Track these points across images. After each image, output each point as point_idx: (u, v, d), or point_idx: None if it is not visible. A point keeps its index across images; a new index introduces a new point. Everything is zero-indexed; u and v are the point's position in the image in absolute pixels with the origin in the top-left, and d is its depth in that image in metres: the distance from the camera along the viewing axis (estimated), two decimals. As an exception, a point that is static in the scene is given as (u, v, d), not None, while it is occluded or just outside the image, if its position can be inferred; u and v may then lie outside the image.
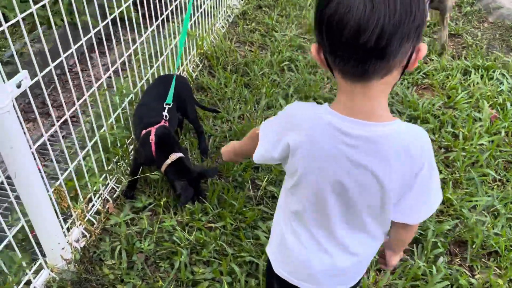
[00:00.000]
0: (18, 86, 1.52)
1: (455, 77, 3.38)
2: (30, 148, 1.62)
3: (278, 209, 1.22)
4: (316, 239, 1.11)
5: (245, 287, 1.95)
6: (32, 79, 1.57)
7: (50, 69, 1.73)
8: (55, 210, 1.84)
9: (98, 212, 2.21)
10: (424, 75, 3.47)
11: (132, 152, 2.49)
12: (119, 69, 2.31)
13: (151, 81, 2.72)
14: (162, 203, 2.19)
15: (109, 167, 2.29)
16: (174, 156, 2.20)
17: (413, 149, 0.94)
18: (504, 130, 2.87)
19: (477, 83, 3.34)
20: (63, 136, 2.12)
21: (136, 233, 2.14)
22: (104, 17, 2.08)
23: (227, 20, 4.16)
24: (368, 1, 0.79)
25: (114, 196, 2.35)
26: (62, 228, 1.92)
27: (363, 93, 0.91)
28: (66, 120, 1.86)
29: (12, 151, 1.54)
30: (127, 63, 2.38)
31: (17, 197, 1.66)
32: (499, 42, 4.05)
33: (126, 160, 2.40)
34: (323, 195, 1.01)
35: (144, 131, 2.28)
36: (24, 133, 1.57)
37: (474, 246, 2.14)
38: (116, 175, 2.35)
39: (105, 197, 2.27)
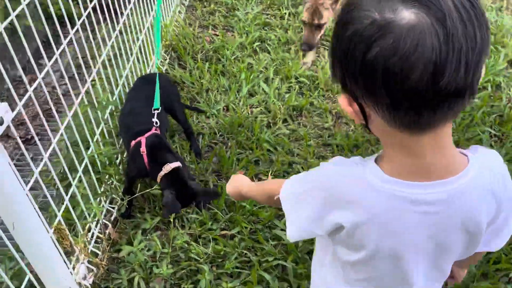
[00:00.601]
0: (1, 123, 1.26)
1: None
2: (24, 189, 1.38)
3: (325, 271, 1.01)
4: None
5: (281, 294, 1.83)
6: None
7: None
8: (59, 251, 1.61)
9: (97, 240, 1.99)
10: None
11: (122, 166, 2.26)
12: (75, 73, 1.95)
13: (126, 85, 2.46)
14: (172, 219, 2.00)
15: (102, 189, 2.05)
16: (168, 167, 1.97)
17: (496, 188, 0.80)
18: (490, 84, 2.89)
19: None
20: (31, 158, 1.80)
21: (149, 257, 1.94)
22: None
23: (183, 4, 3.87)
24: (439, 28, 0.60)
25: (112, 219, 2.12)
26: (68, 268, 1.69)
27: (433, 144, 0.72)
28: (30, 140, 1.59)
29: (5, 199, 1.29)
30: (84, 66, 2.08)
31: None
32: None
33: (117, 177, 2.17)
34: (402, 263, 0.84)
35: (133, 142, 2.05)
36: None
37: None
38: (110, 196, 2.11)
39: (103, 222, 2.04)
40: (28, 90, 1.46)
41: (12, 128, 1.35)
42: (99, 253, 1.94)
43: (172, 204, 1.88)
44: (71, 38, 1.50)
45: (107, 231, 2.05)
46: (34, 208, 1.42)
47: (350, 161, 0.85)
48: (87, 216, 1.89)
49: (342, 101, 0.76)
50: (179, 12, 3.73)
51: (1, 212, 1.31)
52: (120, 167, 2.24)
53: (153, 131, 2.07)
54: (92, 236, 1.96)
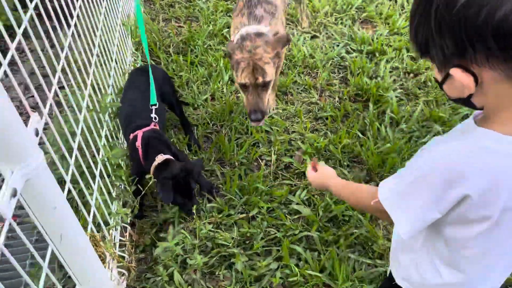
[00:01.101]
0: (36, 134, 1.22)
1: (385, 5, 3.52)
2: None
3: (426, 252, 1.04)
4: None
5: (314, 262, 1.91)
6: None
7: None
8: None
9: (121, 244, 1.96)
10: (357, 9, 3.55)
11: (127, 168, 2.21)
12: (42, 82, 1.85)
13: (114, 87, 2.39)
14: (194, 209, 2.00)
15: (115, 193, 2.01)
16: (161, 157, 1.96)
17: None
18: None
19: (407, 4, 3.51)
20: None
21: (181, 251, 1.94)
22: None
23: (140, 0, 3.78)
24: None
25: (129, 221, 2.09)
26: (108, 275, 1.67)
27: None
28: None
29: (56, 211, 1.25)
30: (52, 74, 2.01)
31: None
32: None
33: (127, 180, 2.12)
34: None
35: (132, 135, 2.04)
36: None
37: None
38: (122, 199, 2.07)
39: (122, 225, 2.01)
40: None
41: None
42: (126, 256, 1.92)
43: (164, 192, 1.87)
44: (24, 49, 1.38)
45: (126, 234, 2.02)
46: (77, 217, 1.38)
47: (453, 136, 0.89)
48: (109, 221, 1.85)
49: (458, 72, 0.78)
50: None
51: (49, 227, 1.27)
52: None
53: (151, 126, 2.05)
54: (114, 241, 1.92)
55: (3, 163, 1.07)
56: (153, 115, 2.10)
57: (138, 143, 1.99)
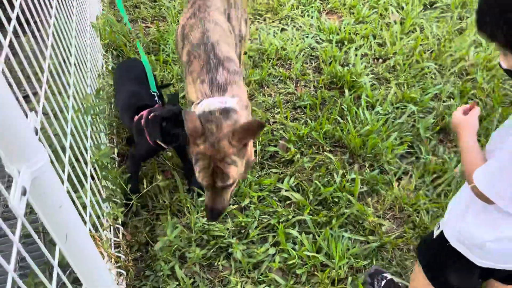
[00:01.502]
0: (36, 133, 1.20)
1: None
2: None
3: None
4: None
5: (310, 244, 1.96)
6: None
7: None
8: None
9: (116, 245, 1.93)
10: (321, 1, 3.64)
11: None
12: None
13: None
14: (187, 204, 2.00)
15: (106, 194, 1.98)
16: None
17: None
18: (413, 27, 3.24)
19: (368, -5, 3.64)
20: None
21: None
22: None
23: (103, 1, 3.71)
24: None
25: (119, 221, 2.06)
26: (111, 275, 1.65)
27: None
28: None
29: (61, 210, 1.23)
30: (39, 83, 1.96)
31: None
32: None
33: (118, 180, 2.10)
34: None
35: (136, 117, 2.00)
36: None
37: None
38: (111, 200, 2.05)
39: (116, 226, 1.99)
40: None
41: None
42: (122, 256, 1.90)
43: (151, 128, 1.87)
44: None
45: (119, 235, 2.00)
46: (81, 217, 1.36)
47: None
48: (103, 222, 1.83)
49: (504, 61, 0.96)
50: (103, 9, 3.57)
51: (54, 226, 1.24)
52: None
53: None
54: (110, 241, 1.90)
55: (10, 163, 1.05)
56: (156, 99, 2.13)
57: (143, 122, 1.94)
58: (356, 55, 3.01)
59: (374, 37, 3.19)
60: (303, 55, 3.09)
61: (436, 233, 1.35)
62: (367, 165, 2.34)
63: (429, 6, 3.53)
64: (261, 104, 2.73)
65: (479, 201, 1.15)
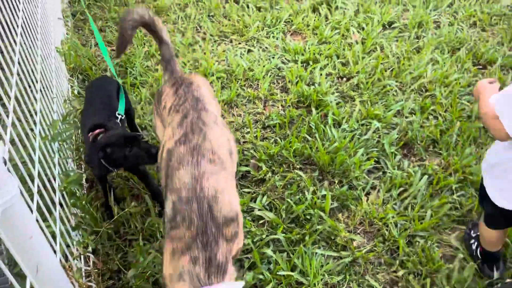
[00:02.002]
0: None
1: (310, 17, 3.75)
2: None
3: None
4: None
5: (285, 263, 1.97)
6: None
7: None
8: (72, 290, 1.52)
9: (87, 274, 1.89)
10: (285, 23, 3.74)
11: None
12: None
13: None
14: (160, 228, 1.98)
15: (75, 222, 1.94)
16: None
17: None
18: (373, 46, 3.38)
19: (330, 15, 3.77)
20: None
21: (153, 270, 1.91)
22: None
23: (66, 25, 3.67)
24: None
25: (89, 249, 2.01)
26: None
27: None
28: None
29: (32, 241, 1.20)
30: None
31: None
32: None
33: (87, 206, 2.05)
34: None
35: (90, 134, 1.93)
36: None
37: (421, 142, 2.58)
38: (81, 227, 2.00)
39: (86, 255, 1.94)
40: None
41: None
42: (94, 286, 1.85)
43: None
44: None
45: (90, 263, 1.95)
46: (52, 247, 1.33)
47: None
48: (73, 251, 1.78)
49: None
50: (67, 33, 3.53)
51: (25, 258, 1.21)
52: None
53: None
54: (81, 271, 1.85)
55: (-22, 195, 1.02)
56: (118, 121, 2.09)
57: (91, 139, 1.89)
58: (321, 74, 3.10)
59: (338, 57, 3.30)
60: (270, 75, 3.15)
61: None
62: (336, 181, 2.39)
63: (388, 26, 3.70)
64: (232, 124, 2.76)
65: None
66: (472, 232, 2.07)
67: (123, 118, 2.13)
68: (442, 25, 3.67)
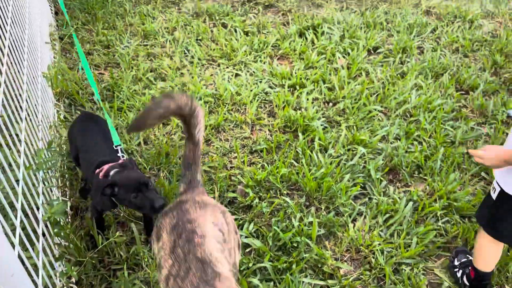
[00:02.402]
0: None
1: (297, 42, 3.81)
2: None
3: None
4: None
5: None
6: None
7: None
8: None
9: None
10: (273, 47, 3.80)
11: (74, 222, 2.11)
12: None
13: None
14: (145, 257, 1.96)
15: (59, 252, 1.90)
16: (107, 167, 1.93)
17: None
18: (359, 71, 3.44)
19: (316, 40, 3.84)
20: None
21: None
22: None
23: (53, 48, 3.66)
24: None
25: (73, 280, 1.97)
26: None
27: None
28: None
29: (13, 279, 1.18)
30: None
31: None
32: (306, 2, 4.66)
33: (71, 236, 2.02)
34: None
35: (97, 171, 1.94)
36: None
37: (406, 168, 2.61)
38: (64, 258, 1.96)
39: (70, 286, 1.90)
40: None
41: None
42: (77, 318, 1.81)
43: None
44: None
45: (75, 295, 1.91)
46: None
47: None
48: (56, 283, 1.74)
49: None
50: (54, 57, 3.53)
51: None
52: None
53: (119, 162, 1.98)
54: (63, 304, 1.81)
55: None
56: (120, 154, 2.07)
57: (101, 175, 1.90)
58: (307, 99, 3.14)
59: (324, 82, 3.34)
60: (257, 99, 3.18)
61: (495, 195, 1.73)
62: (323, 208, 2.40)
63: (373, 52, 3.77)
64: (219, 149, 2.76)
65: None
66: (456, 260, 2.09)
67: (121, 147, 2.11)
68: (425, 51, 3.76)
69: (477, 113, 3.09)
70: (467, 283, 1.98)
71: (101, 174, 1.90)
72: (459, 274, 2.03)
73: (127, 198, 1.80)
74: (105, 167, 1.91)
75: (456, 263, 2.06)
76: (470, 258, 2.04)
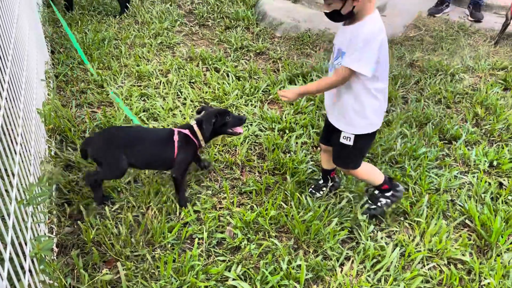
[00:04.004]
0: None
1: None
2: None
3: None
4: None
5: None
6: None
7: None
8: None
9: None
10: (263, 92, 3.91)
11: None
12: None
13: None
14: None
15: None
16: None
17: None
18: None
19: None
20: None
21: None
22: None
23: (48, 85, 3.72)
24: None
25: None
26: None
27: None
28: None
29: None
30: None
31: None
32: (295, 51, 4.85)
33: (56, 274, 1.98)
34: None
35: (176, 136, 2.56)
36: None
37: (392, 213, 2.65)
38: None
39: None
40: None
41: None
42: None
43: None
44: None
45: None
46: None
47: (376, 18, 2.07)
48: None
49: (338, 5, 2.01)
50: (48, 94, 3.57)
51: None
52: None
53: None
54: None
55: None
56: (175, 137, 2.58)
57: (176, 137, 2.53)
58: (296, 143, 3.21)
59: (313, 127, 3.44)
60: (247, 142, 3.24)
61: (351, 142, 2.33)
62: (311, 251, 2.41)
63: (359, 100, 3.91)
64: (209, 189, 2.78)
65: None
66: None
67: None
68: (410, 101, 3.92)
69: (460, 162, 3.20)
70: (389, 197, 2.59)
71: (184, 131, 2.58)
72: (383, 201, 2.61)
73: (224, 121, 2.58)
74: (177, 131, 2.58)
75: None
76: None
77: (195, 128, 2.57)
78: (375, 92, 2.19)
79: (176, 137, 2.52)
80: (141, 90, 3.81)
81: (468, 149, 3.31)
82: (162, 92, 3.81)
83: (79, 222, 2.43)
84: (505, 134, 3.46)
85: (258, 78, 4.14)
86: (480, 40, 5.26)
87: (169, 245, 2.37)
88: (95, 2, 5.56)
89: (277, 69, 4.39)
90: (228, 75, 4.12)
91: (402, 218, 2.66)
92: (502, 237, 2.48)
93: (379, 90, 2.20)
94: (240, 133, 2.66)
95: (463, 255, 2.41)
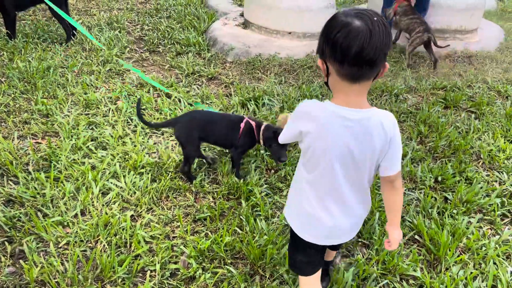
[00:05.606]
0: None
1: (240, 112, 3.96)
2: None
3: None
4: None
5: None
6: None
7: None
8: None
9: None
10: (216, 117, 3.91)
11: None
12: None
13: None
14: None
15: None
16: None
17: (386, 123, 1.50)
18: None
19: (257, 111, 4.01)
20: None
21: None
22: None
23: (-12, 117, 3.53)
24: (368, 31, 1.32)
25: None
26: None
27: (358, 90, 1.46)
28: None
29: None
30: None
31: None
32: (247, 75, 4.91)
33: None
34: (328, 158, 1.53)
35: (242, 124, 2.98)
36: None
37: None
38: None
39: None
40: None
41: None
42: None
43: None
44: None
45: None
46: None
47: (314, 101, 1.57)
48: None
49: (319, 62, 1.49)
50: (-13, 126, 3.39)
51: None
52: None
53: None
54: None
55: None
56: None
57: (242, 124, 2.96)
58: (251, 167, 3.21)
59: (266, 150, 3.46)
60: (202, 168, 3.20)
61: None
62: (267, 276, 2.38)
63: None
64: (161, 218, 2.71)
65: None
66: None
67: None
68: (358, 121, 4.03)
69: (407, 179, 3.31)
70: None
71: (252, 122, 2.97)
72: None
73: (277, 143, 2.74)
74: (243, 123, 2.97)
75: None
76: None
77: (262, 127, 2.93)
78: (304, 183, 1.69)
79: (242, 124, 2.93)
80: (89, 118, 3.70)
81: (414, 166, 3.44)
82: (112, 120, 3.71)
83: (21, 261, 2.29)
84: (447, 150, 3.64)
85: (211, 103, 4.14)
86: (420, 61, 5.55)
87: (120, 280, 2.27)
88: (39, 30, 5.41)
89: (229, 94, 4.41)
90: (180, 101, 4.09)
91: (356, 237, 2.70)
92: (449, 250, 2.57)
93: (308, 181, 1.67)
94: (283, 161, 2.94)
95: (414, 270, 2.46)
